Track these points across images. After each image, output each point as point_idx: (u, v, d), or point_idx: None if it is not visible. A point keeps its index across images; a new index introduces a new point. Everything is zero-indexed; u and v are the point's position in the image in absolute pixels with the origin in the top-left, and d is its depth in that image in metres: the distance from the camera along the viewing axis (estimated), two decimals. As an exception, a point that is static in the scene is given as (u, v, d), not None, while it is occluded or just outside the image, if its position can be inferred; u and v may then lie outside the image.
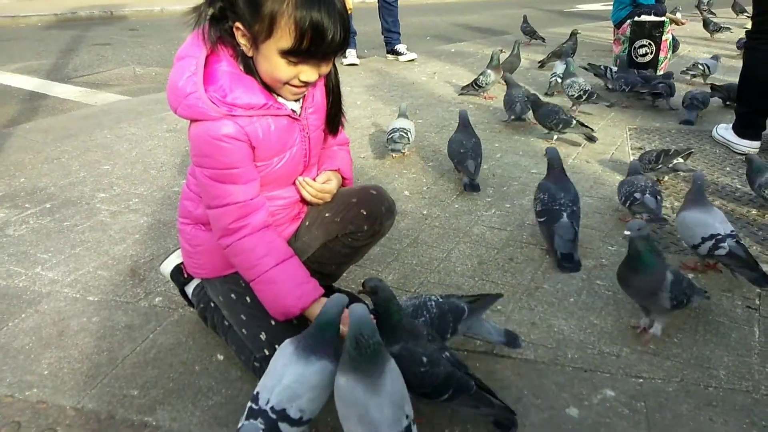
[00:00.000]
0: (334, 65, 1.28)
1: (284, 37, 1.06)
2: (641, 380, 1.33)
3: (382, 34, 4.87)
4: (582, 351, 1.43)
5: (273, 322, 1.27)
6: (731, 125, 2.75)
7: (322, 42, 1.07)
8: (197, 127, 1.15)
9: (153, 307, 1.62)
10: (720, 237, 1.61)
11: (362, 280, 1.17)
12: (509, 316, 1.57)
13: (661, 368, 1.37)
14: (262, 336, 1.28)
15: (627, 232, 1.36)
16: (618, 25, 4.79)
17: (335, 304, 1.06)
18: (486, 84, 3.53)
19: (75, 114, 3.54)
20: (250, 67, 1.15)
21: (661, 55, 3.80)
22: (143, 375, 1.36)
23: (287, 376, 1.02)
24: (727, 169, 2.53)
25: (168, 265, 1.57)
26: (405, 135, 2.59)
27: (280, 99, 1.22)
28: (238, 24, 1.10)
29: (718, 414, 1.24)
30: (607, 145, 2.84)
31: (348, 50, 4.53)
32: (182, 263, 1.51)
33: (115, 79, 4.64)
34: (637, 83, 3.30)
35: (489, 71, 3.53)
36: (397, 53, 4.84)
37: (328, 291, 1.37)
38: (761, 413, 1.24)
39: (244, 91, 1.14)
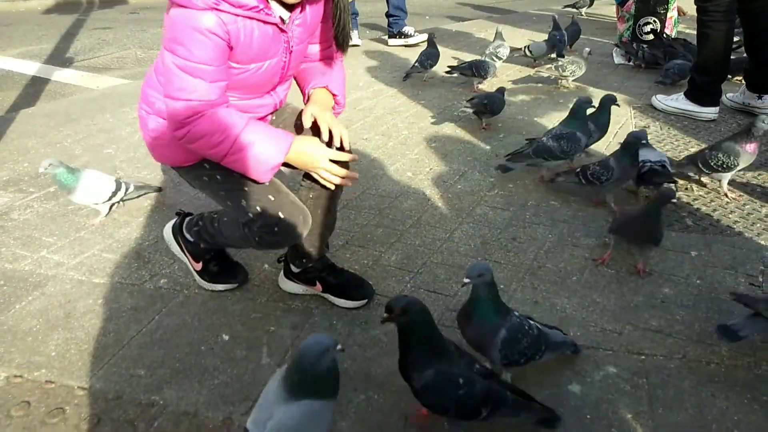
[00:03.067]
0: None
1: None
2: (643, 357, 1.34)
3: (387, 14, 4.58)
4: (584, 329, 1.44)
5: (247, 188, 1.31)
6: (682, 94, 2.88)
7: None
8: (178, 12, 1.13)
9: (158, 289, 1.63)
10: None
11: (389, 301, 1.05)
12: (512, 295, 1.57)
13: (663, 345, 1.37)
14: (243, 203, 1.32)
15: (466, 280, 1.15)
16: (622, 2, 4.74)
17: (315, 350, 0.96)
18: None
19: (77, 98, 3.53)
20: None
21: (666, 32, 3.76)
22: (149, 355, 1.37)
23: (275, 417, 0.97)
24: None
25: (167, 228, 1.65)
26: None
27: (273, 3, 1.21)
28: None
29: (719, 390, 1.25)
30: (611, 124, 2.81)
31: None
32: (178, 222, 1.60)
33: (117, 62, 4.62)
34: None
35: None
36: (405, 35, 4.56)
37: None
38: (763, 389, 1.25)
39: None
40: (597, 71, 3.72)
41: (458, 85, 3.51)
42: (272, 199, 1.32)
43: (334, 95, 1.44)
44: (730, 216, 1.96)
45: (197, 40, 1.13)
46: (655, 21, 3.74)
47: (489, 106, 2.68)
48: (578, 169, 1.98)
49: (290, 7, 1.24)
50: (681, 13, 4.13)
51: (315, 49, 1.46)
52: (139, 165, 2.45)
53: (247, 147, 1.21)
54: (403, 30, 4.55)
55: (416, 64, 3.42)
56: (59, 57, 4.77)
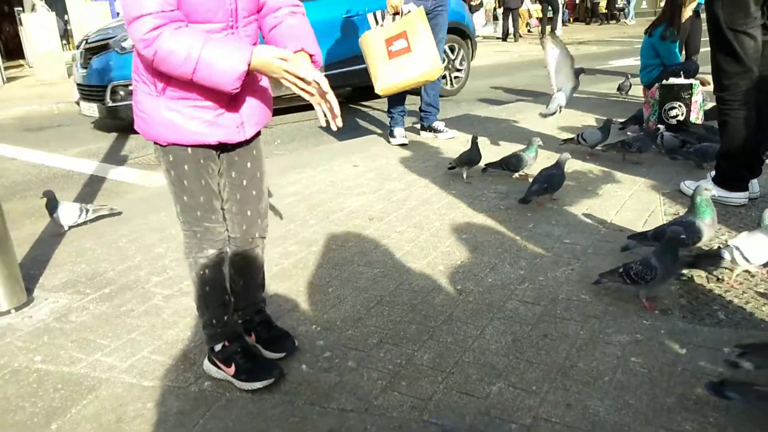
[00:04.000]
0: None
1: None
2: (678, 465, 1.33)
3: (420, 109, 4.77)
4: (617, 434, 1.44)
5: (186, 197, 1.63)
6: (711, 180, 2.89)
7: None
8: None
9: (202, 392, 1.72)
10: None
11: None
12: (544, 397, 1.60)
13: (698, 452, 1.37)
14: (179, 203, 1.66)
15: None
16: (649, 86, 4.88)
17: None
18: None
19: (131, 197, 3.80)
20: None
21: (692, 116, 3.84)
22: (194, 462, 1.44)
23: None
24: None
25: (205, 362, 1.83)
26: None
27: None
28: None
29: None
30: (640, 211, 2.86)
31: (396, 129, 4.59)
32: None
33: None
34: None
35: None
36: (435, 130, 4.73)
37: None
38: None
39: None
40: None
41: (488, 174, 3.64)
42: (198, 214, 1.64)
43: (311, 55, 1.56)
44: (764, 309, 1.96)
45: None
46: (680, 105, 3.84)
47: (550, 188, 2.92)
48: (621, 269, 2.01)
49: None
50: (704, 83, 4.21)
51: None
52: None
53: (211, 61, 1.37)
54: (434, 125, 4.74)
55: (458, 167, 3.55)
56: (114, 155, 5.16)
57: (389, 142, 4.64)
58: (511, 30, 17.13)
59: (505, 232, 2.74)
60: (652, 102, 4.01)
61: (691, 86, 3.82)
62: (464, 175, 3.54)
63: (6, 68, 12.92)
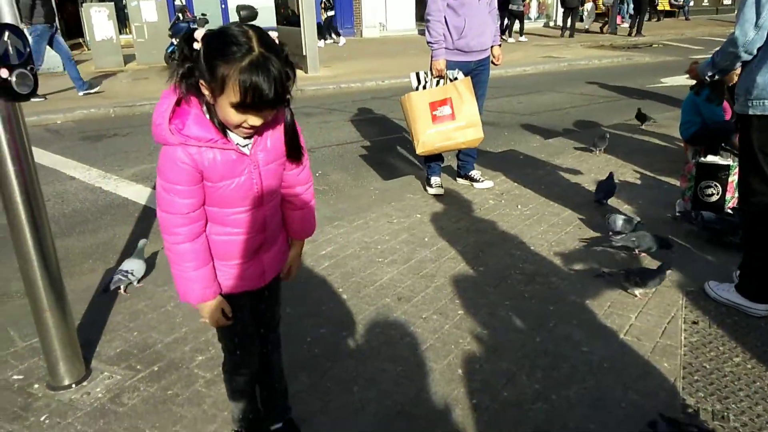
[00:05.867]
0: (291, 110, 1.69)
1: (232, 94, 1.45)
2: None
3: (457, 156, 4.84)
4: None
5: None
6: (734, 286, 2.95)
7: (260, 99, 1.45)
8: (164, 149, 1.59)
9: (235, 507, 1.94)
10: None
11: None
12: None
13: None
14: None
15: None
16: (689, 140, 4.88)
17: None
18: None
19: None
20: (211, 111, 1.56)
21: (728, 196, 3.84)
22: None
23: None
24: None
25: None
26: None
27: (231, 136, 1.61)
28: (201, 81, 1.50)
29: None
30: (660, 316, 2.94)
31: (432, 178, 4.69)
32: None
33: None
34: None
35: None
36: (472, 179, 4.80)
37: None
38: None
39: (198, 128, 1.55)
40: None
41: (517, 245, 3.75)
42: (236, 341, 1.94)
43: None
44: None
45: (172, 167, 1.59)
46: (716, 185, 3.84)
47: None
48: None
49: (248, 135, 1.64)
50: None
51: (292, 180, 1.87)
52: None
53: (188, 280, 1.72)
54: (470, 174, 4.84)
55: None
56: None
57: (425, 189, 4.78)
58: (568, 24, 17.68)
59: (525, 330, 2.86)
60: (688, 176, 4.01)
61: (728, 167, 3.80)
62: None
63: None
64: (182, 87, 1.54)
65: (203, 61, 1.47)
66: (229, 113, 1.50)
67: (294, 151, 1.76)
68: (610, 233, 3.67)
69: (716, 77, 2.99)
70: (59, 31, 9.34)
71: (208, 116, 1.57)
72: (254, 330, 1.97)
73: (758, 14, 2.55)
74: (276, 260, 1.92)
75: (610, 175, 4.33)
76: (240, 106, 1.47)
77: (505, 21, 16.45)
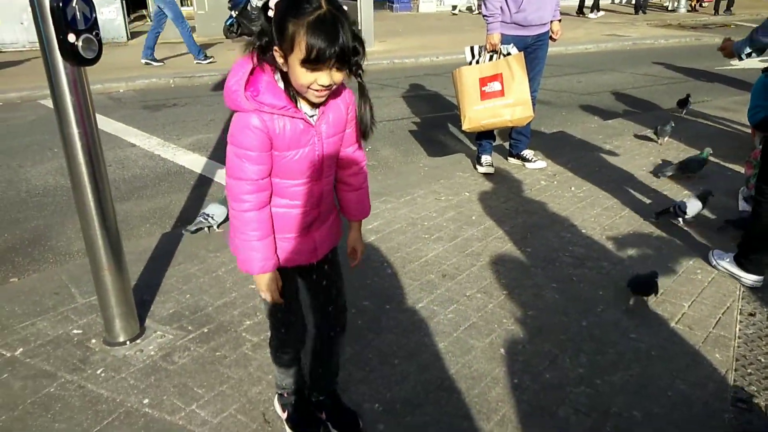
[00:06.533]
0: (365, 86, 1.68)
1: (299, 51, 1.48)
2: None
3: (510, 135, 4.73)
4: None
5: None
6: (733, 257, 3.08)
7: (327, 52, 1.47)
8: (236, 116, 1.63)
9: (276, 466, 2.01)
10: None
11: None
12: None
13: None
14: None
15: None
16: (757, 126, 4.61)
17: None
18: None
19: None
20: (285, 79, 1.60)
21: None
22: None
23: None
24: None
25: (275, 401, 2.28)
26: None
27: (301, 105, 1.64)
28: (275, 47, 1.54)
29: None
30: (715, 306, 2.83)
31: (483, 157, 4.62)
32: None
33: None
34: None
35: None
36: (524, 159, 4.70)
37: None
38: None
39: (271, 96, 1.58)
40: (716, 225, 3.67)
41: (567, 227, 3.66)
42: (279, 316, 1.98)
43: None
44: None
45: (246, 133, 1.62)
46: (785, 173, 3.62)
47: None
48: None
49: (315, 106, 1.67)
50: None
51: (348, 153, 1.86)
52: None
53: (251, 249, 1.73)
54: (522, 153, 4.73)
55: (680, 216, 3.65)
56: (222, 151, 5.57)
57: (475, 168, 4.71)
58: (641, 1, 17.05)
59: (572, 313, 2.81)
60: (754, 163, 3.80)
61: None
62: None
63: (130, 22, 13.89)
64: (258, 59, 1.58)
65: (275, 24, 1.51)
66: (299, 73, 1.51)
67: (364, 127, 1.76)
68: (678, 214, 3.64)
69: (753, 56, 2.97)
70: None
71: (281, 84, 1.61)
72: (299, 309, 1.98)
73: None
74: (327, 238, 1.93)
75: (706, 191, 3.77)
76: (307, 62, 1.48)
77: None
